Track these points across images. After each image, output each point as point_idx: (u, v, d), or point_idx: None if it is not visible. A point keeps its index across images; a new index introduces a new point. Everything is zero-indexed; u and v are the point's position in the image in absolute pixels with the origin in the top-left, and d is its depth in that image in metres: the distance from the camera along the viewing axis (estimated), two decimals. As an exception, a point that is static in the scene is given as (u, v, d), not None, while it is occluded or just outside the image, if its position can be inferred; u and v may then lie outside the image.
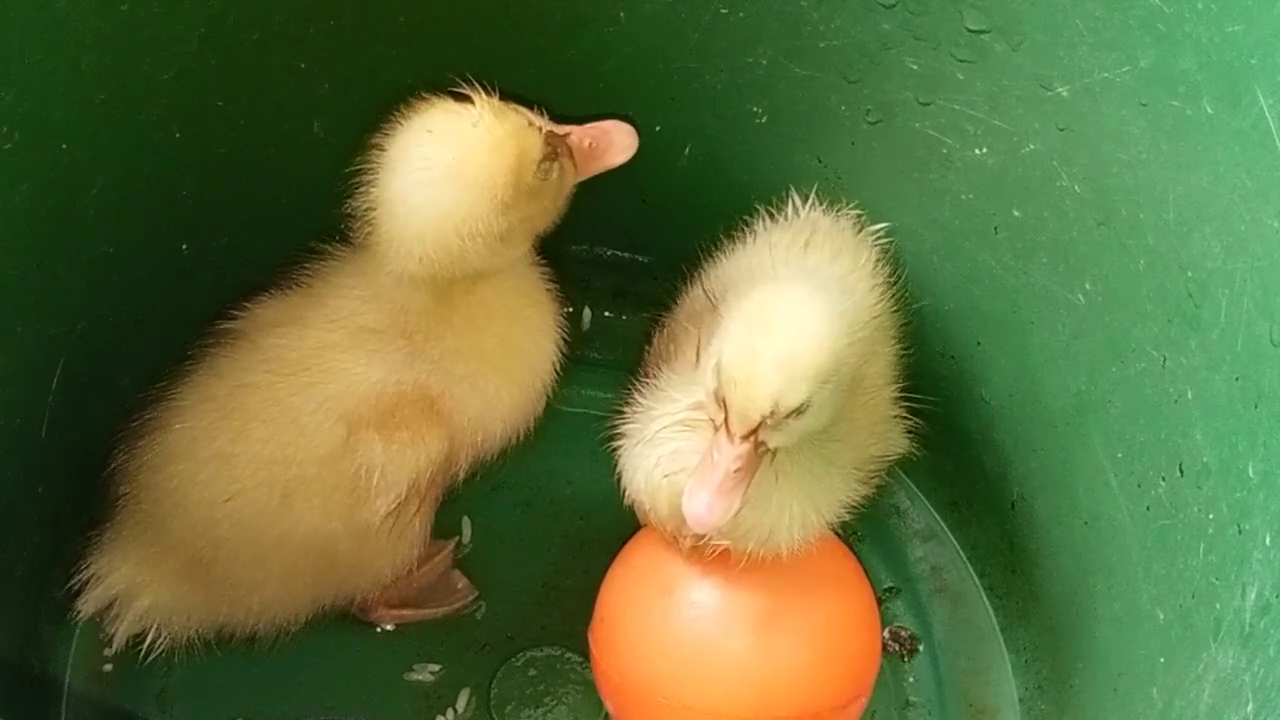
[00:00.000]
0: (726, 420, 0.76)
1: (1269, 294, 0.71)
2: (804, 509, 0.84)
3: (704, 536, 0.85)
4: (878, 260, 0.94)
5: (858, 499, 0.88)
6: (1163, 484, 0.81)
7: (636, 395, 0.89)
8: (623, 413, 0.89)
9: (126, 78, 0.86)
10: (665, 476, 0.85)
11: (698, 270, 0.97)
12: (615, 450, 0.89)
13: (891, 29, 0.89)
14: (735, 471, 0.77)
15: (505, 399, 0.93)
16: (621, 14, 0.96)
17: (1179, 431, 0.79)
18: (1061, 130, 0.85)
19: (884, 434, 0.91)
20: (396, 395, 0.89)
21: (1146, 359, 0.82)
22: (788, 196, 0.97)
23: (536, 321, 0.94)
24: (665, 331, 0.95)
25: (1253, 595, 0.71)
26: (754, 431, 0.76)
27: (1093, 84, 0.81)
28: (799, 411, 0.75)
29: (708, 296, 0.91)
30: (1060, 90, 0.83)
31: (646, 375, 0.91)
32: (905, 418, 0.93)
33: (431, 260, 0.85)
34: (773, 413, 0.75)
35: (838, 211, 0.96)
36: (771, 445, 0.78)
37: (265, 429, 0.89)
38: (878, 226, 0.96)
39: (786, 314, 0.75)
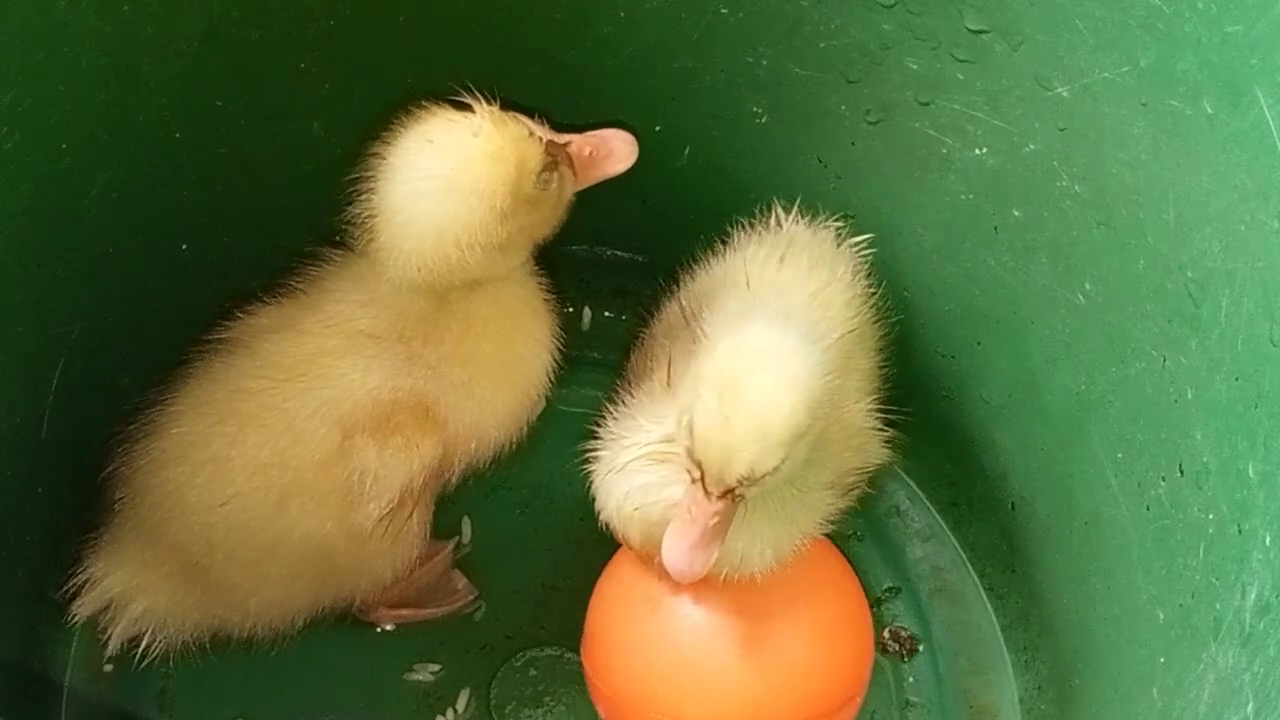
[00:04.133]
0: (703, 479, 0.76)
1: (1269, 294, 0.71)
2: (775, 534, 0.84)
3: None
4: (857, 273, 0.93)
5: (834, 513, 0.88)
6: (1163, 484, 0.81)
7: (609, 419, 0.88)
8: (598, 430, 0.88)
9: (126, 78, 0.86)
10: (635, 509, 0.84)
11: (677, 285, 0.96)
12: (589, 474, 0.88)
13: (891, 29, 0.89)
14: (713, 525, 0.77)
15: (500, 406, 0.93)
16: (622, 14, 0.96)
17: (1179, 431, 0.79)
18: (1061, 130, 0.85)
19: (860, 447, 0.90)
20: (392, 401, 0.89)
21: (1146, 359, 0.82)
22: (788, 199, 0.97)
23: (533, 330, 0.94)
24: (643, 348, 0.94)
25: (1253, 595, 0.71)
26: (730, 490, 0.76)
27: (1093, 84, 0.81)
28: (775, 470, 0.75)
29: (683, 311, 0.91)
30: (1060, 90, 0.83)
31: (625, 392, 0.90)
32: (882, 429, 0.92)
33: (430, 269, 0.85)
34: (748, 476, 0.74)
35: (818, 223, 0.95)
36: (749, 497, 0.78)
37: (261, 434, 0.88)
38: (860, 238, 0.95)
39: (757, 378, 0.73)
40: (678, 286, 0.96)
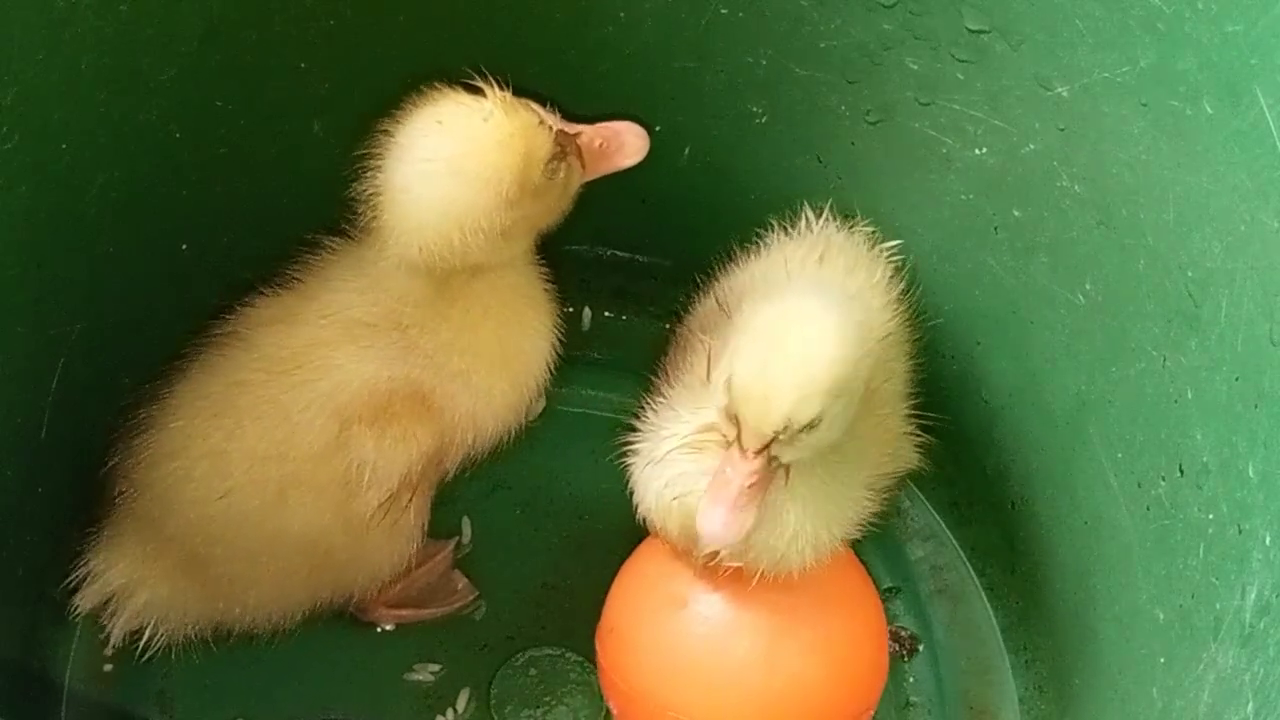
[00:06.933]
0: (739, 436, 0.76)
1: (1269, 294, 0.71)
2: (816, 530, 0.84)
3: (716, 554, 0.85)
4: (891, 276, 0.94)
5: (869, 515, 0.88)
6: (1163, 484, 0.81)
7: (648, 412, 0.88)
8: (634, 423, 0.88)
9: (126, 78, 0.86)
10: (675, 499, 0.84)
11: (710, 280, 0.96)
12: (615, 466, 0.88)
13: (891, 29, 0.89)
14: (749, 487, 0.77)
15: (497, 396, 0.92)
16: (622, 13, 0.96)
17: (1179, 431, 0.79)
18: (1061, 130, 0.85)
19: (895, 450, 0.91)
20: (388, 391, 0.89)
21: (1146, 359, 0.82)
22: (788, 199, 0.97)
23: (533, 320, 0.93)
24: (679, 343, 0.95)
25: (1253, 595, 0.71)
26: (767, 446, 0.76)
27: (1093, 84, 0.81)
28: (812, 426, 0.75)
29: (720, 307, 0.91)
30: (1060, 90, 0.83)
31: (663, 385, 0.90)
32: (916, 434, 0.93)
33: (430, 250, 0.84)
34: (786, 428, 0.75)
35: (851, 227, 0.96)
36: (784, 460, 0.78)
37: (258, 426, 0.89)
38: (892, 243, 0.95)
39: (798, 329, 0.75)
40: (692, 284, 0.97)
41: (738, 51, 0.96)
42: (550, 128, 0.84)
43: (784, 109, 0.98)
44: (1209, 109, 0.73)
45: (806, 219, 0.96)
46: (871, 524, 0.90)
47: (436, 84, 0.84)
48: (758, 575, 0.85)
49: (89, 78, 0.83)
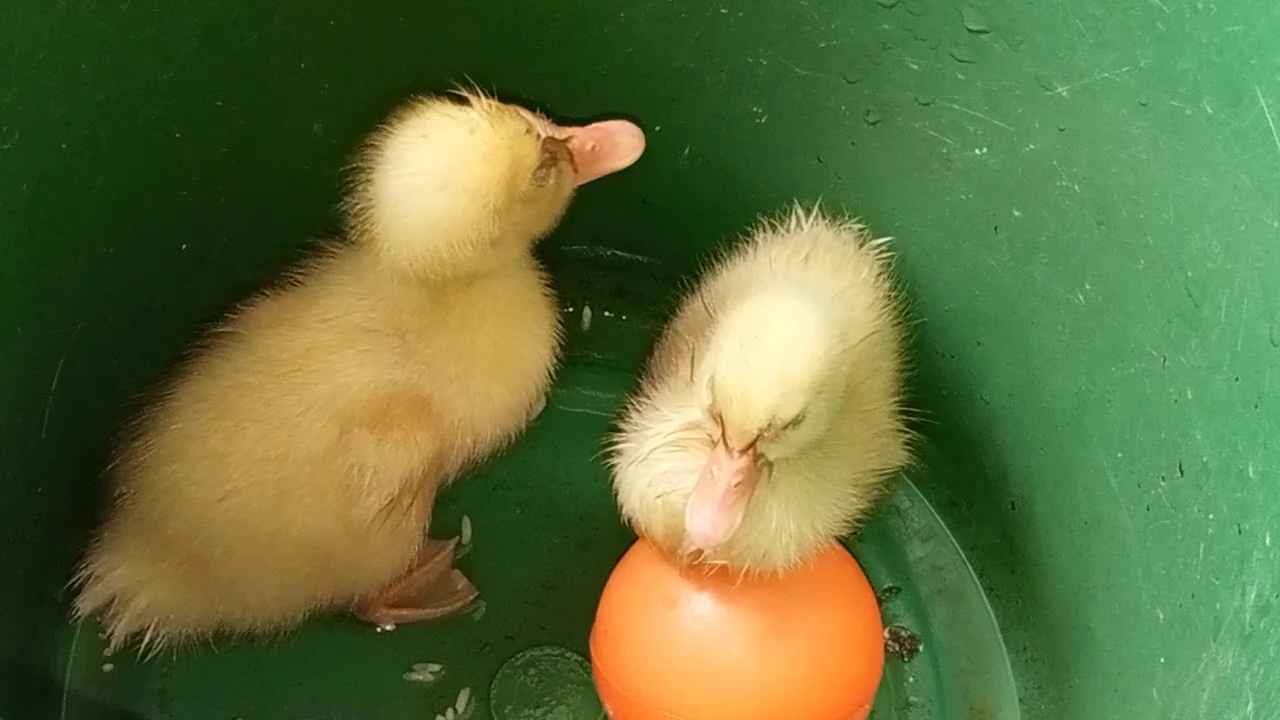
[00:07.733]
0: (724, 435, 0.77)
1: (1269, 294, 0.71)
2: (800, 527, 0.84)
3: (701, 553, 0.85)
4: (879, 274, 0.94)
5: (855, 513, 0.88)
6: (1163, 484, 0.81)
7: (632, 412, 0.88)
8: (620, 424, 0.89)
9: (126, 78, 0.86)
10: (659, 497, 0.84)
11: (698, 281, 0.97)
12: (612, 467, 0.88)
13: (891, 29, 0.89)
14: (736, 486, 0.77)
15: (496, 401, 0.93)
16: (621, 14, 0.96)
17: (1179, 431, 0.79)
18: (1061, 130, 0.85)
19: (882, 448, 0.91)
20: (388, 395, 0.89)
21: (1146, 359, 0.82)
22: (788, 199, 0.97)
23: (531, 325, 0.93)
24: (665, 344, 0.95)
25: (1253, 595, 0.71)
26: (752, 445, 0.76)
27: (1093, 84, 0.81)
28: (795, 422, 0.76)
29: (706, 309, 0.91)
30: (1060, 90, 0.83)
31: (648, 386, 0.90)
32: (903, 430, 0.93)
33: (421, 262, 0.85)
34: (770, 425, 0.75)
35: (840, 224, 0.96)
36: (770, 457, 0.78)
37: (258, 429, 0.89)
38: (880, 240, 0.95)
39: (778, 327, 0.76)
40: (690, 285, 0.97)
41: (738, 51, 0.96)
42: (538, 135, 0.84)
43: (784, 109, 0.98)
44: (1209, 109, 0.73)
45: (796, 217, 0.96)
46: (862, 521, 0.90)
47: (428, 89, 0.84)
48: (743, 573, 0.85)
49: (89, 78, 0.83)
